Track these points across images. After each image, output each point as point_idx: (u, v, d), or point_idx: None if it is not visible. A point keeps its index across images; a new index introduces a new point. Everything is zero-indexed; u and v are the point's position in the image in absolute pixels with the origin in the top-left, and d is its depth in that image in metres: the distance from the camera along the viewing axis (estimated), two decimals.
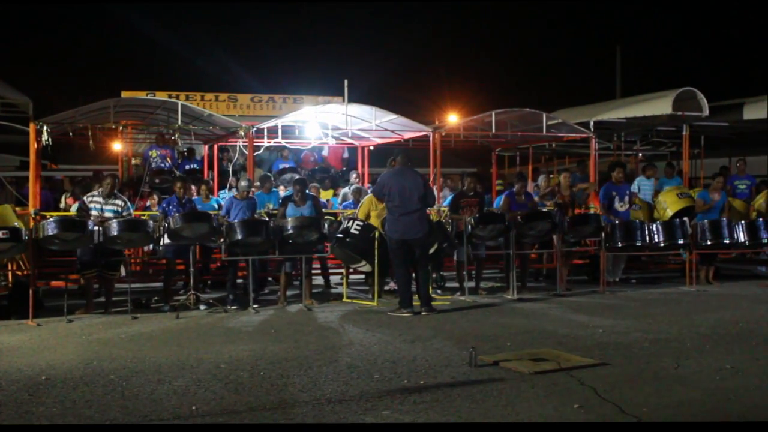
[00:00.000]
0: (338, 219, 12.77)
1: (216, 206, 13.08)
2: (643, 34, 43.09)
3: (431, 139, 14.52)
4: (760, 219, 13.60)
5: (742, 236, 13.07)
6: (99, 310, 10.96)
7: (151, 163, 16.08)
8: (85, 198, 11.36)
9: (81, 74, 39.53)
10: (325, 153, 19.39)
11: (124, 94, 18.87)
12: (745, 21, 43.89)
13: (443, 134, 14.86)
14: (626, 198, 13.29)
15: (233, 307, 11.15)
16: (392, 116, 14.58)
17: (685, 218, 13.27)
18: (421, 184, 10.69)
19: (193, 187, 13.30)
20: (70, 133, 13.26)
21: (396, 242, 10.60)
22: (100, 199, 11.08)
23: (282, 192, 14.47)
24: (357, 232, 11.42)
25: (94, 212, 10.94)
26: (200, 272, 12.47)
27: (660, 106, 15.47)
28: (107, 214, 10.92)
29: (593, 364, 7.30)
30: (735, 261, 15.73)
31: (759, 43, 40.41)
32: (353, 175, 16.31)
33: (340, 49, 42.73)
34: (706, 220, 13.21)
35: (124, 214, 11.06)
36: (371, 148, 17.34)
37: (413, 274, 10.85)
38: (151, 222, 11.10)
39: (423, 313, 10.37)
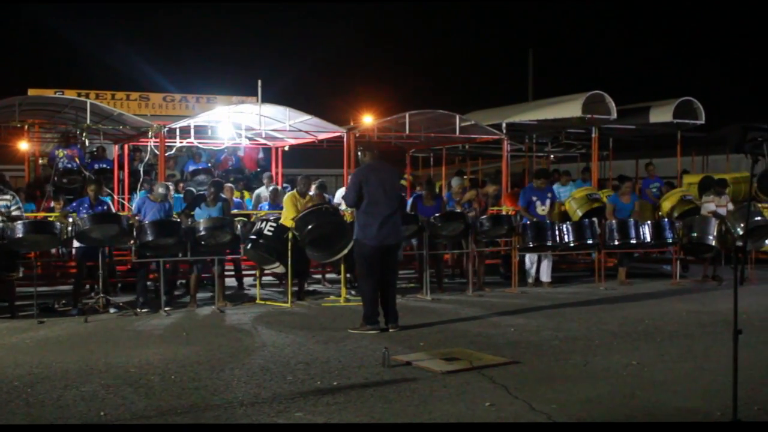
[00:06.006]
0: (251, 220, 12.65)
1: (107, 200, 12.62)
2: (555, 37, 43.95)
3: (345, 140, 14.52)
4: (665, 219, 14.02)
5: (648, 236, 13.39)
6: (5, 314, 10.61)
7: (58, 163, 15.66)
8: None
9: None
10: (240, 154, 19.25)
11: (31, 92, 18.33)
12: (652, 26, 45.26)
13: (357, 135, 14.87)
14: (548, 202, 13.42)
15: (144, 310, 10.93)
16: (306, 117, 14.50)
17: (594, 219, 13.54)
18: (398, 180, 9.54)
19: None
20: None
21: (372, 249, 9.23)
22: None
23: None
24: (270, 234, 11.30)
25: None
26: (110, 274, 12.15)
27: (570, 108, 15.80)
28: None
29: (505, 362, 7.41)
30: (642, 260, 16.14)
31: (665, 48, 41.73)
32: (266, 178, 16.18)
33: (254, 49, 42.37)
34: (614, 221, 13.50)
35: (13, 208, 10.72)
36: (285, 148, 17.26)
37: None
38: (57, 224, 10.78)
39: (391, 330, 9.19)
